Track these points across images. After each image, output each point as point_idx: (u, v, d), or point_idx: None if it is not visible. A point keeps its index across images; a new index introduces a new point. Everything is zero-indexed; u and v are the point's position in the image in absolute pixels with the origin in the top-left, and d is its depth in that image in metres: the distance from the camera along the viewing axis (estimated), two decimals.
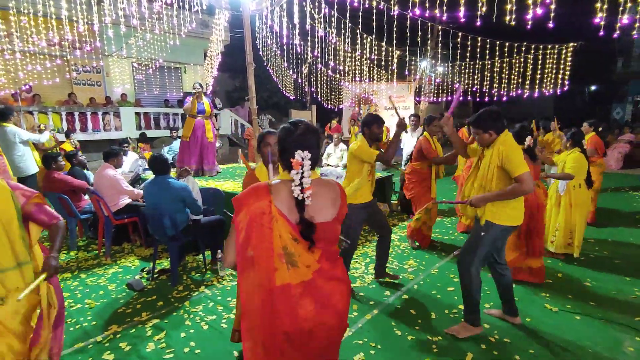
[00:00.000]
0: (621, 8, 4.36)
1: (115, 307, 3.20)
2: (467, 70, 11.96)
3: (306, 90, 13.78)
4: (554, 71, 10.66)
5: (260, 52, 9.03)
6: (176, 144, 8.76)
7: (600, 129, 5.33)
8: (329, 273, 1.43)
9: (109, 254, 4.32)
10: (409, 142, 5.41)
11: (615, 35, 4.78)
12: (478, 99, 13.23)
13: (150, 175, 4.84)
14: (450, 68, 13.31)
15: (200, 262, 4.15)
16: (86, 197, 4.70)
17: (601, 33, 4.78)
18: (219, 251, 3.93)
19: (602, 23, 4.54)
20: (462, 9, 4.59)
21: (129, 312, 3.12)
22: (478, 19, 4.90)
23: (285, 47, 8.38)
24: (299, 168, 1.35)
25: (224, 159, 10.90)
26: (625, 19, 4.26)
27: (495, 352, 2.49)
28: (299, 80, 10.90)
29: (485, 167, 2.54)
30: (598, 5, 4.31)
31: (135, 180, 5.53)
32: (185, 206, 3.56)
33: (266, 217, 1.35)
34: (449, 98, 15.00)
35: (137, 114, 10.88)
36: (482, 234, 2.55)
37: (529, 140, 3.36)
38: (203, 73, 12.73)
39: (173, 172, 4.55)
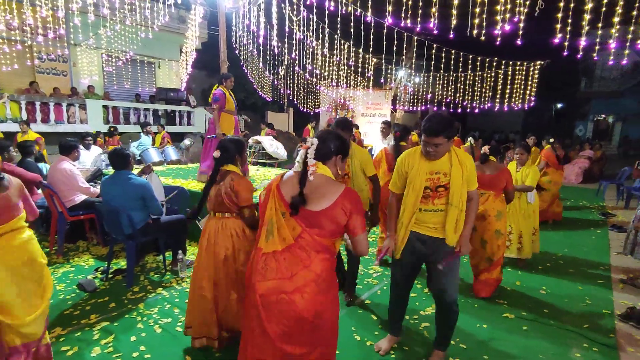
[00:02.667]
0: (583, 30, 4.59)
1: (62, 309, 3.01)
2: (441, 82, 12.28)
3: (283, 92, 13.71)
4: (522, 87, 11.13)
5: (237, 52, 8.91)
6: (146, 140, 8.47)
7: (551, 140, 6.30)
8: (301, 256, 1.59)
9: (61, 252, 4.08)
10: (380, 149, 5.46)
11: (578, 56, 5.03)
12: (452, 110, 13.65)
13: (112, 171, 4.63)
14: (425, 78, 13.63)
15: (160, 262, 3.99)
16: (39, 191, 4.43)
17: (565, 53, 5.03)
18: (180, 252, 3.79)
19: (566, 43, 4.78)
20: (432, 20, 4.70)
21: (77, 314, 2.94)
22: (451, 32, 5.04)
23: (262, 48, 8.30)
24: (306, 150, 1.66)
25: (196, 158, 10.64)
26: (583, 41, 4.48)
27: (451, 359, 2.51)
28: (276, 82, 10.83)
29: (458, 184, 2.18)
30: (559, 26, 4.52)
31: (97, 176, 5.28)
32: (144, 204, 3.41)
33: (268, 194, 1.71)
34: (424, 108, 15.36)
35: (106, 107, 10.46)
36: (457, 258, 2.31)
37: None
38: (178, 69, 12.46)
39: (138, 168, 4.38)
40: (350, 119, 14.20)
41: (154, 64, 13.05)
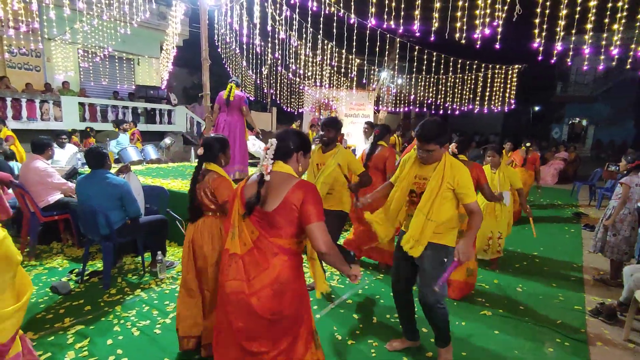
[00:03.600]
0: (557, 37, 4.76)
1: (34, 313, 2.90)
2: (423, 83, 12.46)
3: (266, 92, 13.62)
4: (501, 90, 11.42)
5: (219, 50, 8.80)
6: (124, 138, 8.26)
7: (528, 144, 6.65)
8: (258, 260, 1.61)
9: (33, 254, 3.93)
10: (362, 149, 5.49)
11: (552, 61, 5.20)
12: (433, 112, 13.88)
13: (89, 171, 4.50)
14: (408, 80, 13.81)
15: (139, 263, 3.90)
16: (10, 190, 4.26)
17: (540, 58, 5.19)
18: (160, 252, 3.71)
19: (541, 49, 4.93)
20: (415, 22, 4.77)
21: (50, 317, 2.84)
22: (432, 35, 5.13)
23: (245, 47, 8.23)
24: (266, 151, 1.67)
25: (177, 157, 10.46)
26: (558, 46, 4.63)
27: (429, 355, 2.55)
28: (259, 82, 10.76)
29: (434, 192, 2.19)
30: (536, 31, 4.66)
31: (72, 175, 5.10)
32: (122, 205, 3.33)
33: (234, 196, 1.73)
34: (407, 109, 15.54)
35: (82, 104, 10.13)
36: (445, 260, 2.25)
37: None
38: (158, 66, 12.21)
39: (116, 167, 4.27)
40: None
41: (132, 61, 12.73)
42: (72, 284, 3.38)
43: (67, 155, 5.84)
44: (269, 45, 7.81)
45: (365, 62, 9.86)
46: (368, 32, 6.45)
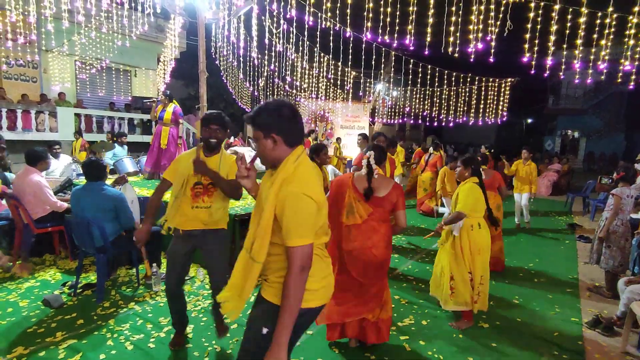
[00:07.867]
0: (549, 51, 4.88)
1: (25, 327, 2.84)
2: (418, 96, 12.63)
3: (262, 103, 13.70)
4: (494, 102, 11.60)
5: (217, 62, 8.88)
6: (120, 150, 8.24)
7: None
8: (374, 226, 2.52)
9: (25, 266, 3.86)
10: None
11: (545, 75, 5.31)
12: (428, 123, 14.05)
13: (84, 182, 4.47)
14: (402, 92, 13.98)
15: (133, 276, 3.85)
16: (3, 201, 4.21)
17: (532, 72, 5.30)
18: (154, 264, 3.67)
19: (533, 63, 5.04)
20: (409, 36, 4.87)
21: (41, 331, 2.78)
22: (426, 49, 5.23)
23: (242, 59, 8.32)
24: (366, 160, 2.56)
25: None
26: (549, 61, 4.73)
27: None
28: (256, 93, 10.84)
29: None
30: (527, 46, 4.78)
31: (66, 186, 5.07)
32: (117, 216, 3.30)
33: (345, 186, 2.59)
34: (402, 120, 15.71)
35: (78, 115, 10.11)
36: None
37: None
38: (155, 78, 12.26)
39: (111, 179, 4.26)
40: (330, 130, 14.39)
41: (129, 72, 12.79)
42: (65, 297, 3.33)
43: (61, 166, 5.80)
44: (266, 57, 7.90)
45: (361, 74, 10.00)
46: (364, 45, 6.56)
